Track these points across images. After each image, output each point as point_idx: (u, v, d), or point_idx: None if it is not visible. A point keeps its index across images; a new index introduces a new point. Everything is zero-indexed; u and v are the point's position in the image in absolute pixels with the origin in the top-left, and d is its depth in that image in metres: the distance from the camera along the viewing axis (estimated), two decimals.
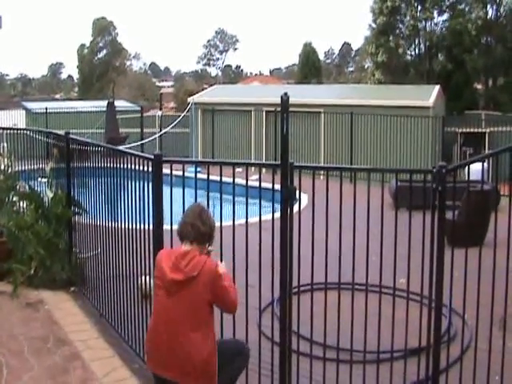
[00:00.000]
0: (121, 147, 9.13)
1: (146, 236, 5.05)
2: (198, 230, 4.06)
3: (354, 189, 4.21)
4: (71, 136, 7.18)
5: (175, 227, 4.85)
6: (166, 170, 4.86)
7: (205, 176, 4.81)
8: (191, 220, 4.09)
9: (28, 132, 9.26)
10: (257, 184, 4.75)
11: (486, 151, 18.79)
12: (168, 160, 4.99)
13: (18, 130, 10.58)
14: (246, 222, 4.64)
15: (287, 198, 4.41)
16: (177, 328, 3.95)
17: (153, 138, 22.22)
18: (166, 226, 4.93)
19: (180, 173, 4.84)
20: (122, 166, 5.65)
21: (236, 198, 4.72)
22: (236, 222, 4.67)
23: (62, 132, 7.51)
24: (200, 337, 3.94)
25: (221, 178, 4.68)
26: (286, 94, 4.62)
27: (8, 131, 10.53)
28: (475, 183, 6.94)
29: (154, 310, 4.16)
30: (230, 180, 4.62)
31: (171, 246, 4.79)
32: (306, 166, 4.86)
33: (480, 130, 21.40)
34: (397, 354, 4.55)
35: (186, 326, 3.93)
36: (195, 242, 4.06)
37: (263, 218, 4.71)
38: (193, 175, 4.84)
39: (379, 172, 4.59)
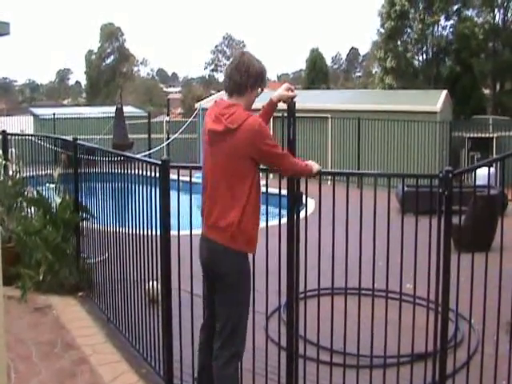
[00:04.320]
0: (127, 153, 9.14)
1: (154, 241, 5.07)
2: (235, 82, 4.07)
3: (360, 194, 4.22)
4: (79, 142, 7.22)
5: (182, 233, 4.88)
6: (173, 176, 4.88)
7: None
8: (228, 73, 4.10)
9: (33, 138, 9.31)
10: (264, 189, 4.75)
11: (494, 156, 18.74)
12: (175, 165, 5.01)
13: (25, 135, 10.64)
14: None
15: (294, 203, 4.43)
16: (217, 182, 4.08)
17: (161, 146, 22.25)
18: (174, 232, 4.94)
19: (187, 178, 4.86)
20: (129, 171, 5.68)
21: None
22: None
23: (69, 138, 7.56)
24: (229, 198, 4.01)
25: None
26: (292, 99, 4.64)
27: (16, 137, 10.59)
28: (482, 188, 6.94)
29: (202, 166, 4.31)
30: None
31: (178, 252, 4.82)
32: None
33: (487, 135, 21.37)
34: (403, 359, 4.55)
35: (223, 182, 4.03)
36: (235, 95, 4.09)
37: (270, 223, 4.72)
38: (200, 181, 4.85)
39: (386, 177, 4.59)
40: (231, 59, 4.20)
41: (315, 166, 4.33)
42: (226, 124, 3.97)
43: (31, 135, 11.13)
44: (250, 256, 4.20)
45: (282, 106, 4.48)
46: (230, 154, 3.99)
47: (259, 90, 4.18)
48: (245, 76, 4.05)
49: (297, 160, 4.22)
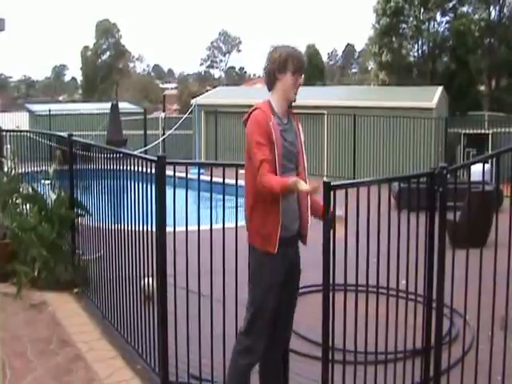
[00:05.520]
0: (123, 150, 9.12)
1: (149, 238, 5.07)
2: (265, 74, 4.09)
3: (357, 197, 4.22)
4: (74, 138, 7.21)
5: (178, 229, 4.88)
6: (169, 172, 4.88)
7: (208, 178, 4.83)
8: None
9: (29, 134, 9.29)
10: None
11: (490, 152, 18.78)
12: (171, 162, 4.99)
13: (20, 131, 10.62)
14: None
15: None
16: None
17: (157, 142, 22.24)
18: (169, 228, 4.94)
19: (183, 174, 4.86)
20: (125, 167, 5.67)
21: (240, 200, 4.73)
22: (239, 224, 4.68)
23: (65, 134, 7.55)
24: (245, 193, 4.02)
25: (223, 180, 4.70)
26: None
27: (11, 133, 10.56)
28: (478, 184, 6.95)
29: None
30: (234, 182, 4.64)
31: (174, 249, 4.82)
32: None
33: (483, 131, 21.40)
34: (398, 356, 4.56)
35: (246, 171, 4.02)
36: (269, 87, 4.11)
37: None
38: (196, 177, 4.86)
39: (376, 183, 4.58)
40: None
41: (290, 181, 3.71)
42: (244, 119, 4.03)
43: (26, 131, 11.09)
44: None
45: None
46: (245, 148, 4.00)
47: (291, 74, 3.97)
48: (270, 63, 4.00)
49: (269, 176, 3.77)
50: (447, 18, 37.74)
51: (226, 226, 4.75)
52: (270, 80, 4.04)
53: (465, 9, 37.90)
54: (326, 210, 3.74)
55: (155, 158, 4.87)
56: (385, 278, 4.26)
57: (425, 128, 18.95)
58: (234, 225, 4.70)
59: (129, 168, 5.59)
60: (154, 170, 4.92)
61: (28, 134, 9.61)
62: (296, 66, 3.97)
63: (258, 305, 4.04)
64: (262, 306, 4.05)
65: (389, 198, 4.43)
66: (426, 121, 18.98)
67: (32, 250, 7.30)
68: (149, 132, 24.55)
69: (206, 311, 4.84)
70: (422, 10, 36.99)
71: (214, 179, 4.81)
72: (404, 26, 37.42)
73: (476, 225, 6.18)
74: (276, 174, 3.82)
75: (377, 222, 4.12)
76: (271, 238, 3.90)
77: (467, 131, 21.46)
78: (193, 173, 4.96)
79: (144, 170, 5.20)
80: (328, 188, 3.68)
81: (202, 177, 5.00)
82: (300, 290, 4.57)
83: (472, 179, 4.82)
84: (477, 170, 7.09)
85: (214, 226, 4.93)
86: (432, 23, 37.63)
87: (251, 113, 3.96)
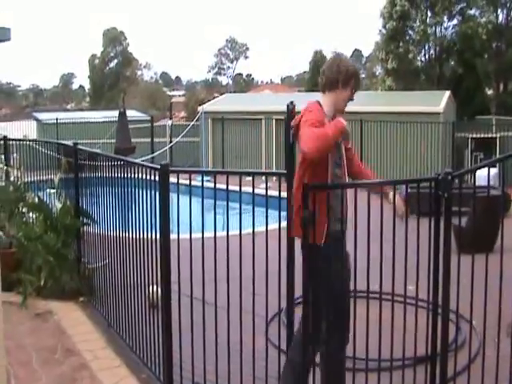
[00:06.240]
0: (131, 157, 9.13)
1: (154, 245, 5.05)
2: (327, 77, 4.46)
3: (355, 201, 4.20)
4: (79, 147, 7.21)
5: (182, 236, 4.86)
6: (174, 180, 4.86)
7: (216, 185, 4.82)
8: (322, 70, 4.54)
9: (31, 143, 9.30)
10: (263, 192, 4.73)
11: (497, 156, 18.69)
12: (174, 170, 4.98)
13: (25, 141, 10.63)
14: (253, 230, 4.62)
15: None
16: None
17: (163, 149, 22.26)
18: (176, 236, 4.92)
19: (188, 182, 4.83)
20: (129, 175, 5.66)
21: (245, 207, 4.72)
22: (244, 231, 4.66)
23: (70, 143, 7.55)
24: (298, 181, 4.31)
25: (227, 188, 4.67)
26: (291, 102, 4.64)
27: (17, 142, 10.58)
28: (485, 189, 6.90)
29: None
30: (244, 189, 4.63)
31: (178, 256, 4.80)
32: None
33: (491, 135, 21.30)
34: (397, 363, 4.51)
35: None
36: (326, 90, 4.49)
37: (272, 226, 4.69)
38: (199, 184, 4.84)
39: (383, 185, 4.59)
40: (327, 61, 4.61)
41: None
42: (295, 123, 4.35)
43: (31, 140, 11.11)
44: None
45: (284, 108, 4.53)
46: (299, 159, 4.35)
47: (351, 90, 4.41)
48: (336, 71, 4.38)
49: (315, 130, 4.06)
50: (454, 21, 37.65)
51: (229, 233, 4.72)
52: (331, 86, 4.42)
53: (472, 12, 37.76)
54: (304, 210, 3.98)
55: (158, 166, 4.86)
56: (389, 283, 4.23)
57: (432, 133, 18.89)
58: (238, 232, 4.67)
59: (133, 176, 5.59)
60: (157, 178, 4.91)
61: (30, 143, 9.61)
62: (356, 85, 4.45)
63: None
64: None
65: (393, 205, 4.40)
66: (434, 125, 18.93)
67: (37, 259, 7.30)
68: (156, 140, 24.57)
69: (211, 319, 4.81)
70: (429, 14, 36.93)
71: (221, 186, 4.78)
72: (410, 31, 37.33)
73: (482, 230, 6.16)
74: (327, 167, 4.23)
75: (380, 226, 4.10)
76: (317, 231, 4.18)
77: (475, 135, 21.36)
78: (198, 180, 4.95)
79: (148, 178, 5.20)
80: (307, 189, 3.98)
81: (208, 184, 4.96)
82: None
83: (479, 184, 4.78)
84: (483, 175, 7.04)
85: (218, 234, 4.90)
86: (439, 27, 37.54)
87: (304, 114, 4.22)
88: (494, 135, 21.16)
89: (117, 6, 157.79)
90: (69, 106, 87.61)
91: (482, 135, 21.17)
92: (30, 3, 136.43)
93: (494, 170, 10.86)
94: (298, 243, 4.43)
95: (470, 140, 21.05)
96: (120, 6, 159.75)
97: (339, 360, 4.34)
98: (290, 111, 4.52)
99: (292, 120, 4.39)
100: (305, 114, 4.20)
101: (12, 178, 8.65)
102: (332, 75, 4.38)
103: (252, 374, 4.63)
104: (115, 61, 73.80)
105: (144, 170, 5.38)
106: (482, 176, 5.51)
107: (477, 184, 4.67)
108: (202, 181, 4.87)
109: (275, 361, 4.62)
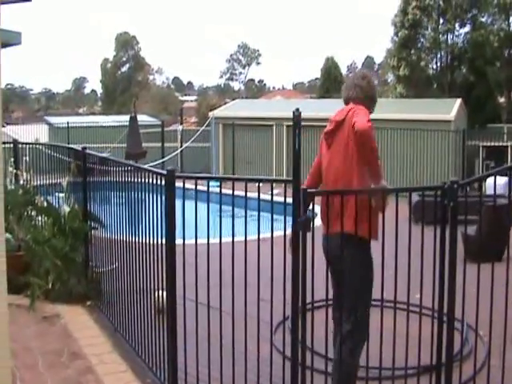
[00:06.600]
0: (141, 162, 9.16)
1: (161, 251, 5.05)
2: (361, 88, 4.76)
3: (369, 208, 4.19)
4: (87, 151, 7.24)
5: (188, 242, 4.87)
6: (187, 185, 4.85)
7: (224, 191, 4.82)
8: (353, 82, 4.83)
9: (39, 146, 9.34)
10: (275, 199, 4.72)
11: (509, 164, 18.61)
12: (181, 176, 4.99)
13: (35, 144, 10.69)
14: (258, 236, 4.61)
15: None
16: (336, 173, 4.57)
17: (173, 154, 22.29)
18: (179, 241, 4.92)
19: (200, 187, 4.83)
20: (135, 180, 5.68)
21: (251, 213, 4.71)
22: (249, 237, 4.66)
23: (78, 147, 7.58)
24: (355, 180, 4.45)
25: (233, 194, 4.67)
26: (297, 109, 4.62)
27: (28, 146, 10.63)
28: (496, 197, 6.87)
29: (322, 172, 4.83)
30: (250, 195, 4.63)
31: (183, 261, 4.80)
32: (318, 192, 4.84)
33: (502, 144, 21.23)
34: (400, 372, 4.50)
35: (344, 173, 4.50)
36: (358, 101, 4.69)
37: (278, 233, 4.69)
38: (211, 189, 4.85)
39: (393, 192, 4.60)
40: (352, 74, 5.10)
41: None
42: (335, 120, 4.68)
43: (40, 144, 11.17)
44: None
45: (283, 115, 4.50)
46: (342, 144, 4.63)
47: (369, 110, 4.66)
48: (368, 87, 4.77)
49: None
50: (466, 29, 37.52)
51: (235, 239, 4.71)
52: (370, 102, 4.76)
53: (484, 19, 37.61)
54: (299, 213, 4.15)
55: (164, 172, 4.87)
56: (397, 292, 4.22)
57: (443, 141, 18.84)
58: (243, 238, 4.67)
59: (140, 181, 5.60)
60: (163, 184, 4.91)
61: (40, 147, 9.66)
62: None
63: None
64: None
65: (396, 211, 4.40)
66: (445, 133, 18.87)
67: (46, 263, 7.33)
68: (167, 144, 24.60)
69: (216, 324, 4.80)
70: (441, 22, 36.83)
71: (229, 192, 4.78)
72: (422, 39, 37.25)
73: (491, 239, 6.13)
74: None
75: (391, 236, 4.09)
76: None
77: (486, 143, 21.29)
78: (211, 186, 4.95)
79: (155, 183, 5.21)
80: (304, 194, 4.19)
81: (217, 189, 4.96)
82: (309, 305, 4.57)
83: (490, 192, 4.76)
84: (496, 183, 6.98)
85: (224, 239, 4.89)
86: (450, 35, 37.43)
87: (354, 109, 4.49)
88: (506, 143, 21.08)
89: (130, 11, 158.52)
90: (81, 110, 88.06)
91: (494, 143, 21.10)
92: (44, 7, 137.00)
93: (504, 179, 10.80)
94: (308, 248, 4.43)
95: (481, 148, 21.00)
96: (133, 10, 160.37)
97: (354, 364, 4.47)
98: (296, 118, 4.50)
99: (298, 127, 4.39)
100: (355, 110, 4.47)
101: (21, 182, 8.68)
102: (372, 93, 4.81)
103: (257, 381, 4.62)
104: (127, 65, 74.03)
105: (150, 175, 5.39)
106: (491, 184, 5.49)
107: (488, 193, 4.66)
108: (208, 187, 4.87)
109: (280, 367, 4.61)
